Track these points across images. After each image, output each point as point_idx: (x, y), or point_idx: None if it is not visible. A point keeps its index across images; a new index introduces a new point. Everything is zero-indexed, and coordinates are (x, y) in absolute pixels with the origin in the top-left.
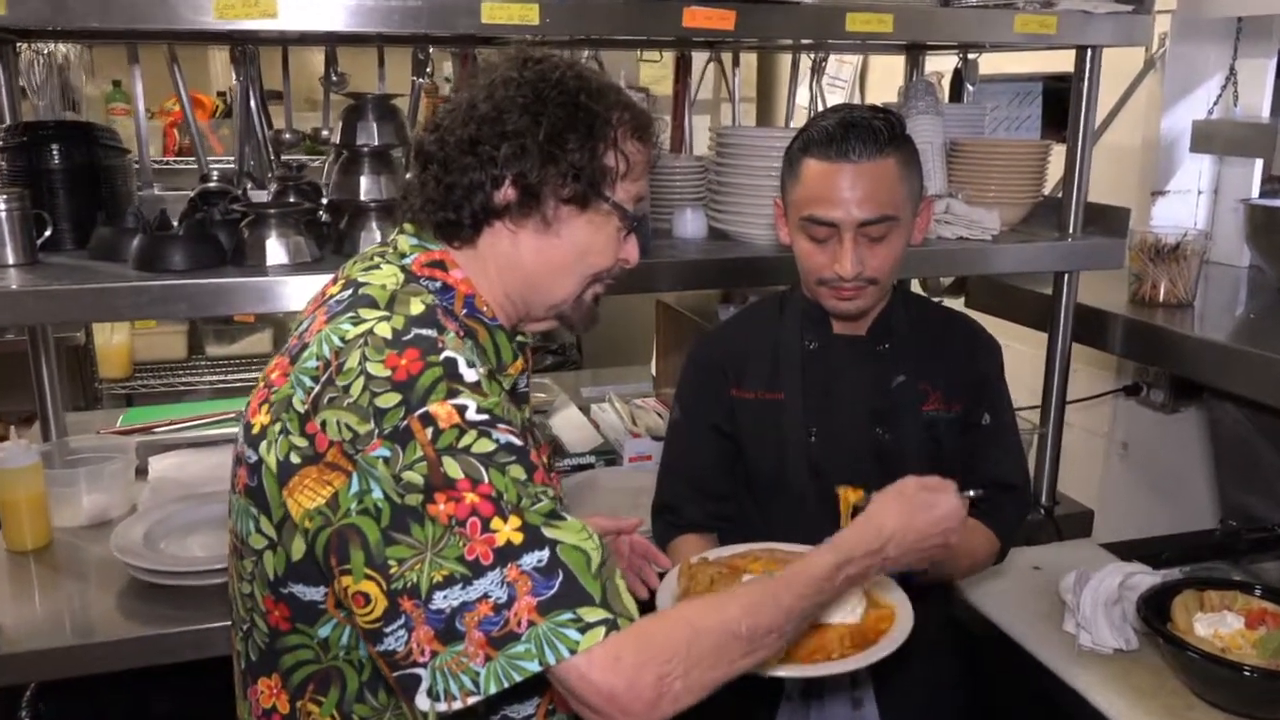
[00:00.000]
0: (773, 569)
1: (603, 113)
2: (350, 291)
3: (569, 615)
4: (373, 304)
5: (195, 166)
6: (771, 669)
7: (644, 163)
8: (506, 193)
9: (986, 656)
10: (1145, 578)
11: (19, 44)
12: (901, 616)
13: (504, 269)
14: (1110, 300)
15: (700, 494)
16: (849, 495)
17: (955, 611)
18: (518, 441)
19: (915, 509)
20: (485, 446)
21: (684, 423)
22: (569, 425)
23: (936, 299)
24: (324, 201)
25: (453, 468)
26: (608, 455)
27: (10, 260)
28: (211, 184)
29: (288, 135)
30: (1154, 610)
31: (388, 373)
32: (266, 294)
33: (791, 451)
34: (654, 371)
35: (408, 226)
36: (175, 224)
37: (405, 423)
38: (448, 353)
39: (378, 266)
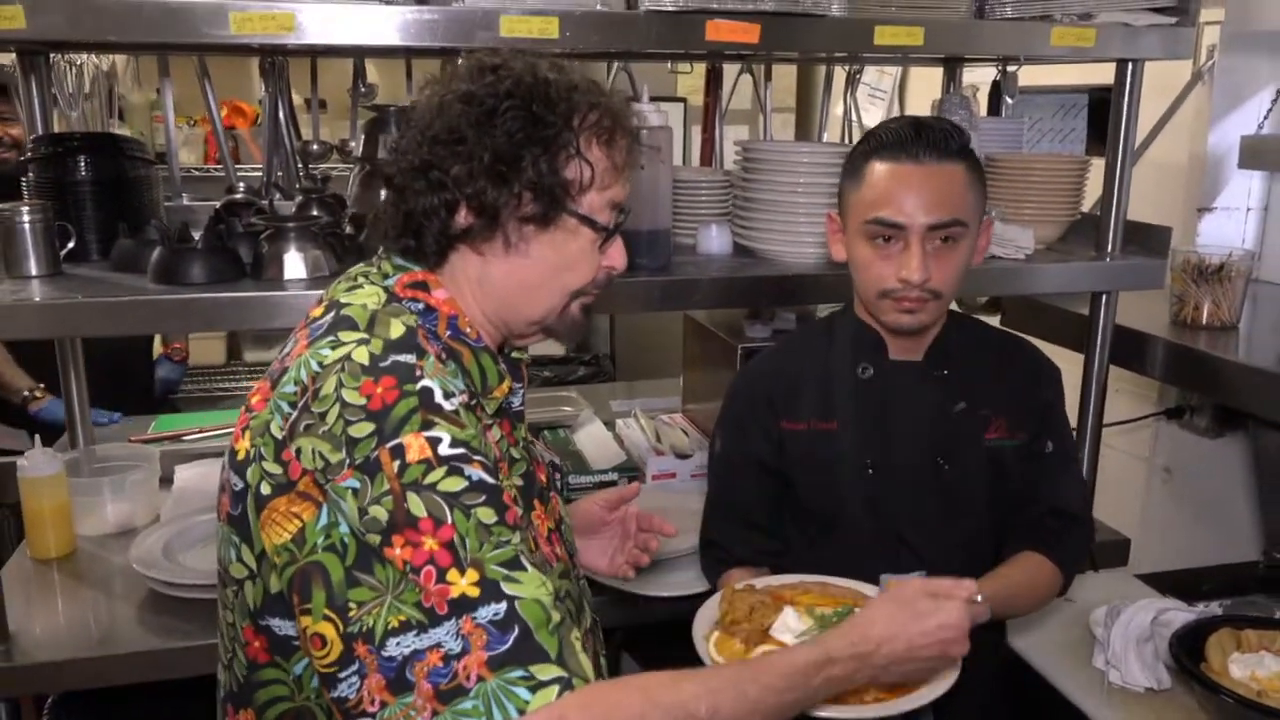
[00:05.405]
0: (823, 604)
1: (559, 121)
2: (332, 314)
3: (520, 673)
4: (352, 326)
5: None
6: (814, 709)
7: (614, 168)
8: (464, 217)
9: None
10: (1179, 614)
11: (51, 55)
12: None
13: (478, 292)
14: (1151, 322)
15: (747, 529)
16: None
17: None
18: (490, 479)
19: (909, 617)
20: (454, 485)
21: (727, 457)
22: (592, 440)
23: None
24: (347, 215)
25: (416, 505)
26: (631, 472)
27: (33, 271)
28: (237, 195)
29: (315, 146)
30: (1187, 649)
31: (363, 400)
32: (282, 308)
33: (847, 485)
34: (681, 386)
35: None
36: (198, 236)
37: (376, 454)
38: (425, 381)
39: (360, 286)
